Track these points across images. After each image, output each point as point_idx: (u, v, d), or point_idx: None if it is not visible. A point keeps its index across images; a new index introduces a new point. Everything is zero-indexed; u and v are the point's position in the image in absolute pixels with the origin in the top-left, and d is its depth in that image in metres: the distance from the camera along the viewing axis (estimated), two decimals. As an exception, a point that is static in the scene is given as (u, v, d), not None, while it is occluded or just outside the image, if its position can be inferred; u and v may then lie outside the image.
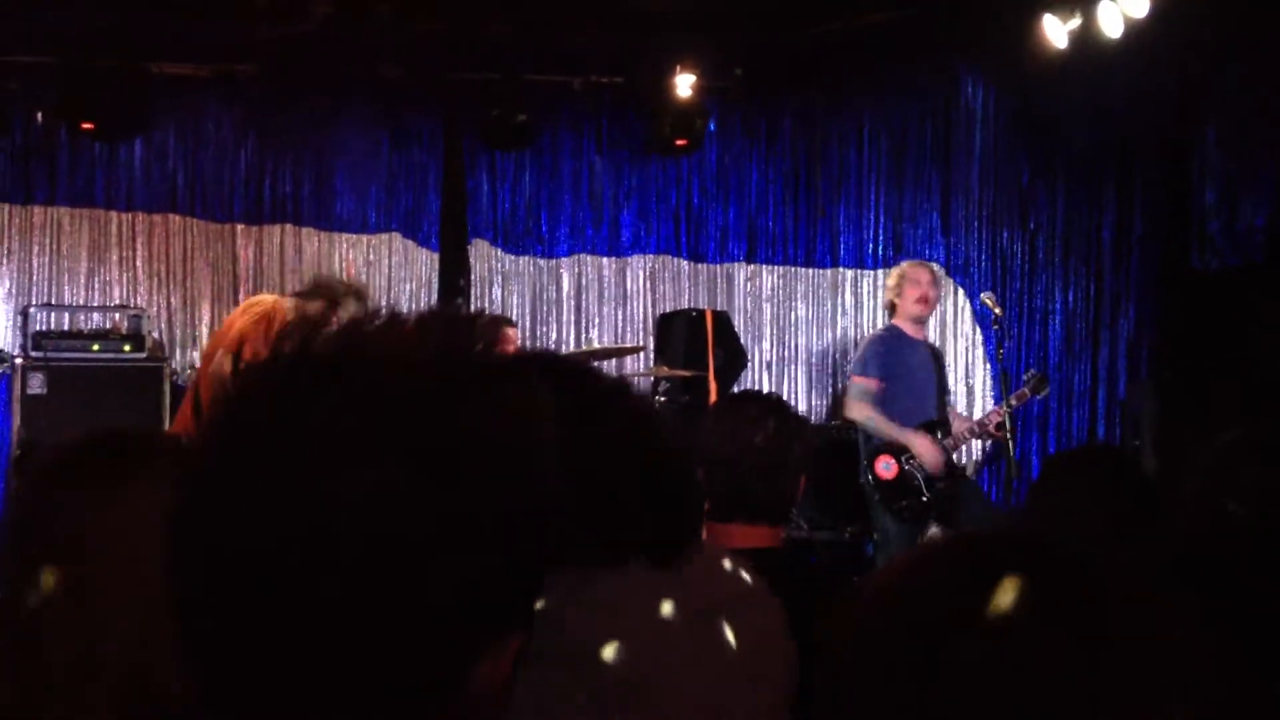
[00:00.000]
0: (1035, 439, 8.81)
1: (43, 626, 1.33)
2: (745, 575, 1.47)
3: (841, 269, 9.15)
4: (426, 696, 0.84)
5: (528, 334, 8.65)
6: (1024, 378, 6.64)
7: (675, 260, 9.03)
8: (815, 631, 1.15)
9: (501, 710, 0.89)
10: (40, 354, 7.24)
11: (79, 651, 1.31)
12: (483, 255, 8.78)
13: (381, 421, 0.82)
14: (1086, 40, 6.91)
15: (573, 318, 8.90)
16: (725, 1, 7.57)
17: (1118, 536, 2.53)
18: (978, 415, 7.67)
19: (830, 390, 9.14)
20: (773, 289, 9.14)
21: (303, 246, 8.47)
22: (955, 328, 9.02)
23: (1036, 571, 0.92)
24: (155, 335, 7.88)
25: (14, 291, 8.07)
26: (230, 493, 0.84)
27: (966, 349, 9.03)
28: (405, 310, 0.90)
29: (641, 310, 8.98)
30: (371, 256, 8.61)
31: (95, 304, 8.10)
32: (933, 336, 7.65)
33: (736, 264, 9.10)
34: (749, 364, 8.81)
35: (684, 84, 8.17)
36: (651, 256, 9.01)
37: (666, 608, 1.31)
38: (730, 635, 1.36)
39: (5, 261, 8.09)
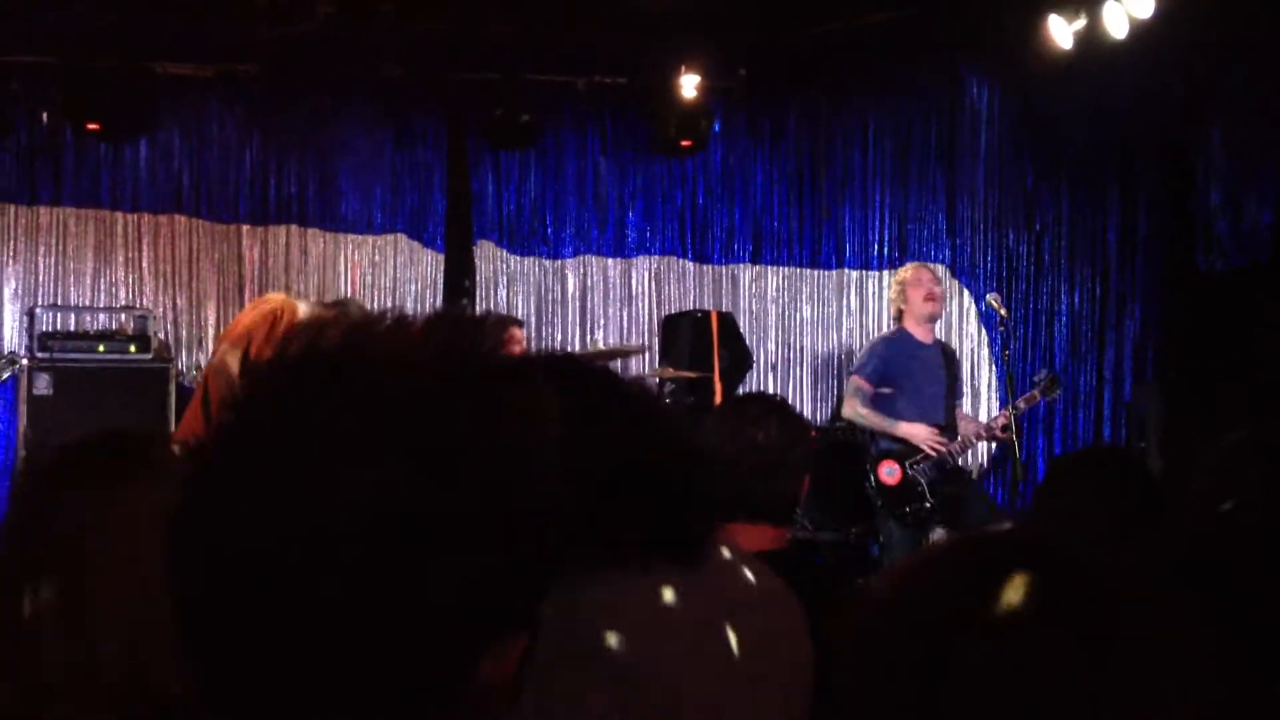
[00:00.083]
0: (1041, 441, 8.80)
1: (43, 627, 1.33)
2: (766, 576, 1.47)
3: (847, 270, 9.15)
4: (427, 696, 0.84)
5: (533, 335, 8.65)
6: (1035, 379, 6.62)
7: (680, 261, 9.03)
8: (821, 632, 1.15)
9: (507, 709, 0.89)
10: (46, 355, 7.25)
11: (79, 651, 1.31)
12: (488, 256, 8.78)
13: (382, 422, 0.83)
14: (1092, 41, 6.90)
15: (578, 319, 8.90)
16: (728, 1, 7.56)
17: (1122, 538, 2.52)
18: (983, 418, 7.66)
19: (835, 392, 9.13)
20: (778, 290, 9.14)
21: (308, 247, 8.48)
22: (960, 329, 9.01)
23: (1040, 573, 0.92)
24: (161, 336, 7.89)
25: (20, 292, 8.08)
26: (231, 492, 0.84)
27: (972, 350, 9.02)
28: (412, 311, 0.90)
29: (646, 311, 8.98)
30: (377, 257, 8.61)
31: (101, 305, 8.11)
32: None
33: (741, 265, 9.10)
34: (754, 365, 8.80)
35: (688, 84, 8.17)
36: (656, 257, 9.01)
37: (682, 607, 1.31)
38: (748, 636, 1.35)
39: (11, 262, 8.10)
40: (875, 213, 9.12)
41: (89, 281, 8.19)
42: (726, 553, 1.44)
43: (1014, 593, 0.90)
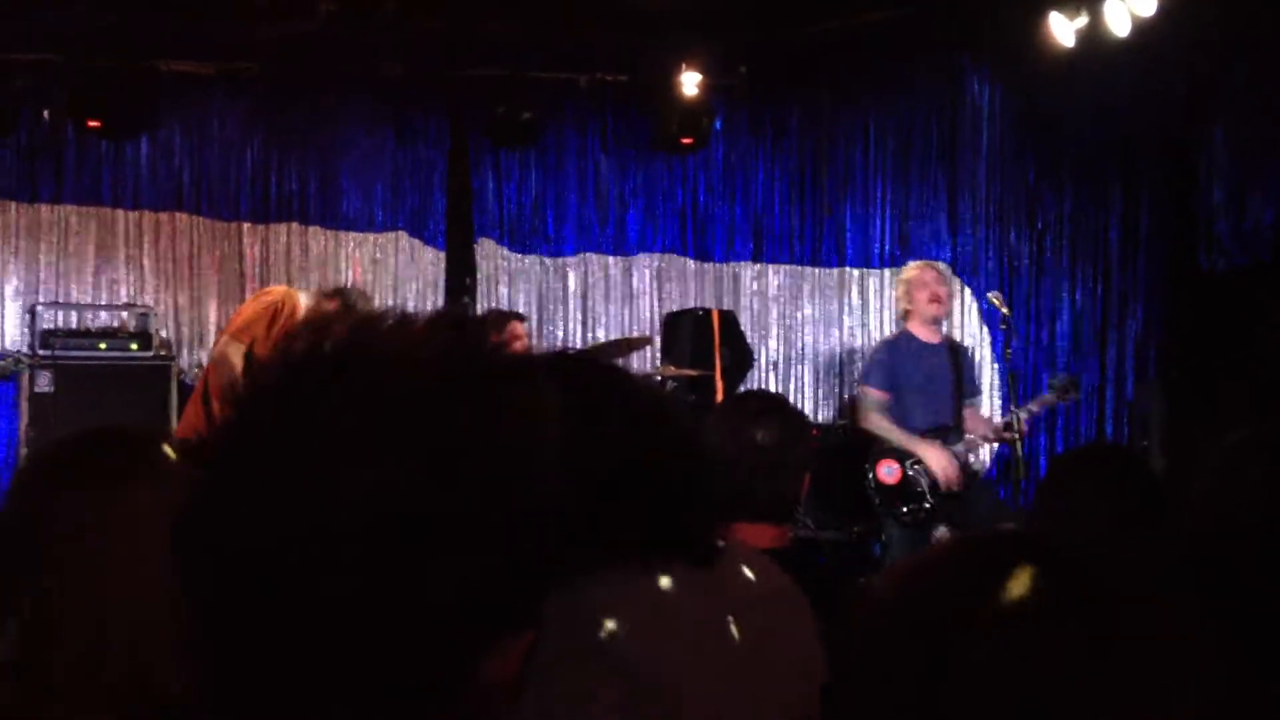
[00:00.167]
0: (1043, 439, 8.80)
1: (43, 627, 1.33)
2: (773, 573, 1.47)
3: (848, 268, 9.15)
4: (429, 695, 0.84)
5: (534, 333, 8.64)
6: (1051, 382, 6.54)
7: (681, 259, 9.03)
8: (823, 630, 1.14)
9: (510, 707, 0.89)
10: (48, 352, 7.25)
11: (80, 651, 1.31)
12: (489, 254, 8.78)
13: (382, 421, 0.83)
14: (1094, 38, 6.89)
15: (579, 317, 8.90)
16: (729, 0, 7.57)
17: (1123, 536, 2.52)
18: (987, 416, 7.63)
19: (837, 389, 9.13)
20: (779, 288, 9.14)
21: (309, 245, 8.48)
22: (962, 327, 9.01)
23: (1041, 573, 0.91)
24: (162, 334, 7.90)
25: (22, 290, 8.09)
26: (232, 492, 0.84)
27: (973, 349, 9.01)
28: (413, 310, 0.90)
29: (648, 309, 8.98)
30: (378, 255, 8.61)
31: (102, 302, 8.12)
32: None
33: (743, 263, 9.10)
34: (755, 363, 8.81)
35: (690, 82, 8.18)
36: (658, 255, 9.01)
37: (686, 604, 1.31)
38: (753, 633, 1.35)
39: (13, 260, 8.11)
40: (877, 211, 9.12)
41: (90, 279, 8.19)
42: (733, 551, 1.44)
43: (1014, 593, 0.90)
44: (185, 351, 8.17)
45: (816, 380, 9.15)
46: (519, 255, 8.82)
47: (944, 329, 6.58)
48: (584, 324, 8.90)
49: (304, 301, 5.84)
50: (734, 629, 1.34)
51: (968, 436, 6.26)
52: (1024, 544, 0.96)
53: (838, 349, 9.14)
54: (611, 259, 8.94)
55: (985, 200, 9.02)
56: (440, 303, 8.51)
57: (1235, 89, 7.61)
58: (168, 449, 1.42)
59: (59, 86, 7.72)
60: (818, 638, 1.46)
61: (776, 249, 9.10)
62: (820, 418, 8.90)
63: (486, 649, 0.86)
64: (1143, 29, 6.68)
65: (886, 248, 9.12)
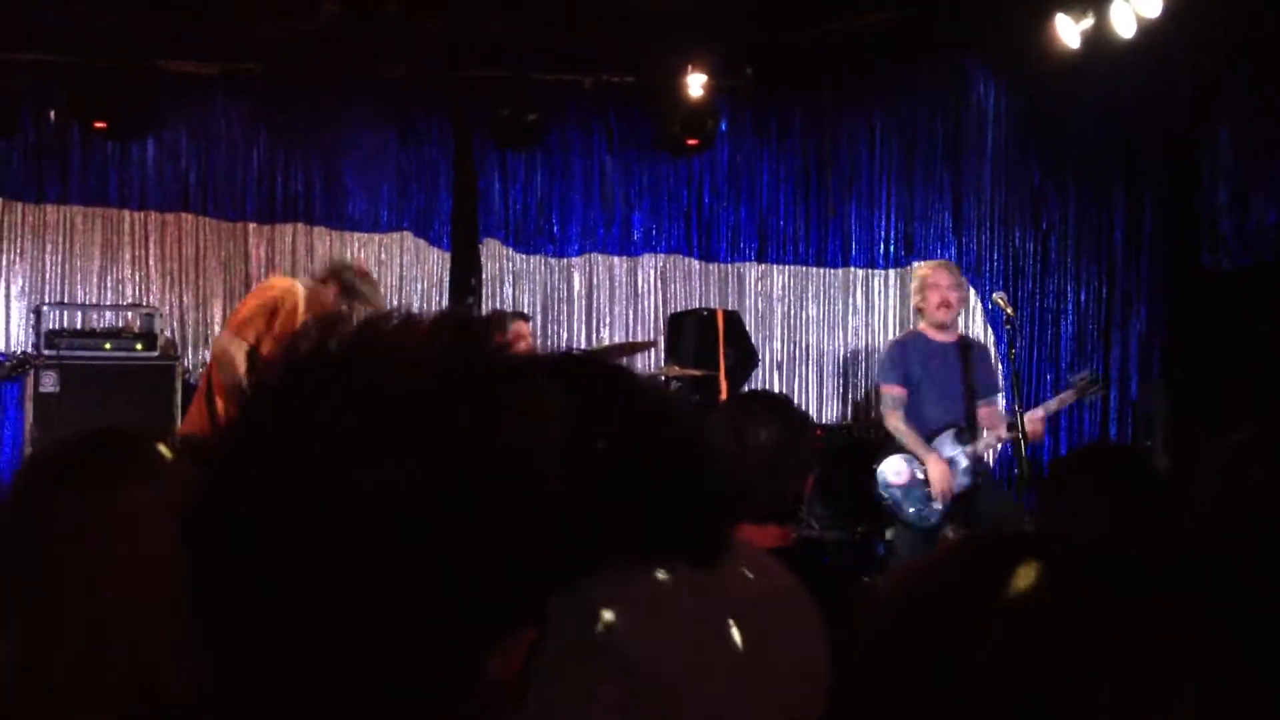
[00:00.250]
0: (1047, 438, 8.77)
1: (43, 627, 1.33)
2: (779, 573, 1.47)
3: (853, 269, 9.14)
4: (429, 695, 0.85)
5: (539, 333, 8.65)
6: (1072, 379, 6.49)
7: (686, 260, 9.03)
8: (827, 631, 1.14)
9: (515, 705, 0.89)
10: (53, 352, 7.26)
11: (79, 651, 1.31)
12: (494, 254, 8.79)
13: (382, 422, 0.83)
14: (1099, 40, 6.89)
15: (584, 317, 8.90)
16: (734, 1, 7.56)
17: (1125, 536, 2.52)
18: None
19: (841, 390, 9.13)
20: (784, 288, 9.14)
21: (314, 245, 8.49)
22: (967, 328, 9.00)
23: (1043, 573, 0.92)
24: (167, 334, 7.91)
25: (27, 290, 8.10)
26: (234, 492, 0.84)
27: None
28: (419, 310, 0.90)
29: (652, 309, 8.98)
30: (383, 256, 8.62)
31: (108, 303, 8.13)
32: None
33: (748, 263, 9.10)
34: (760, 363, 8.80)
35: (695, 83, 8.18)
36: (662, 256, 9.01)
37: (689, 604, 1.31)
38: (756, 633, 1.35)
39: (18, 260, 8.12)
40: (881, 211, 9.12)
41: (96, 279, 8.21)
42: (736, 551, 1.44)
43: (1017, 593, 0.90)
44: (190, 352, 8.18)
45: (821, 380, 9.14)
46: (524, 255, 8.82)
47: (958, 327, 6.56)
48: (589, 324, 8.90)
49: (302, 290, 5.80)
50: (736, 629, 1.34)
51: (984, 434, 6.21)
52: (1027, 543, 0.96)
53: (842, 349, 9.14)
54: (616, 259, 8.94)
55: (990, 201, 9.01)
56: (445, 303, 8.52)
57: (1240, 89, 7.60)
58: (166, 449, 1.43)
59: (64, 87, 7.73)
60: (823, 638, 1.46)
61: (781, 249, 9.10)
62: (824, 418, 8.90)
63: (488, 648, 0.86)
64: (1147, 30, 6.68)
65: (891, 248, 9.12)
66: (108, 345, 7.42)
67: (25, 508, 1.41)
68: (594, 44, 8.08)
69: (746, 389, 8.14)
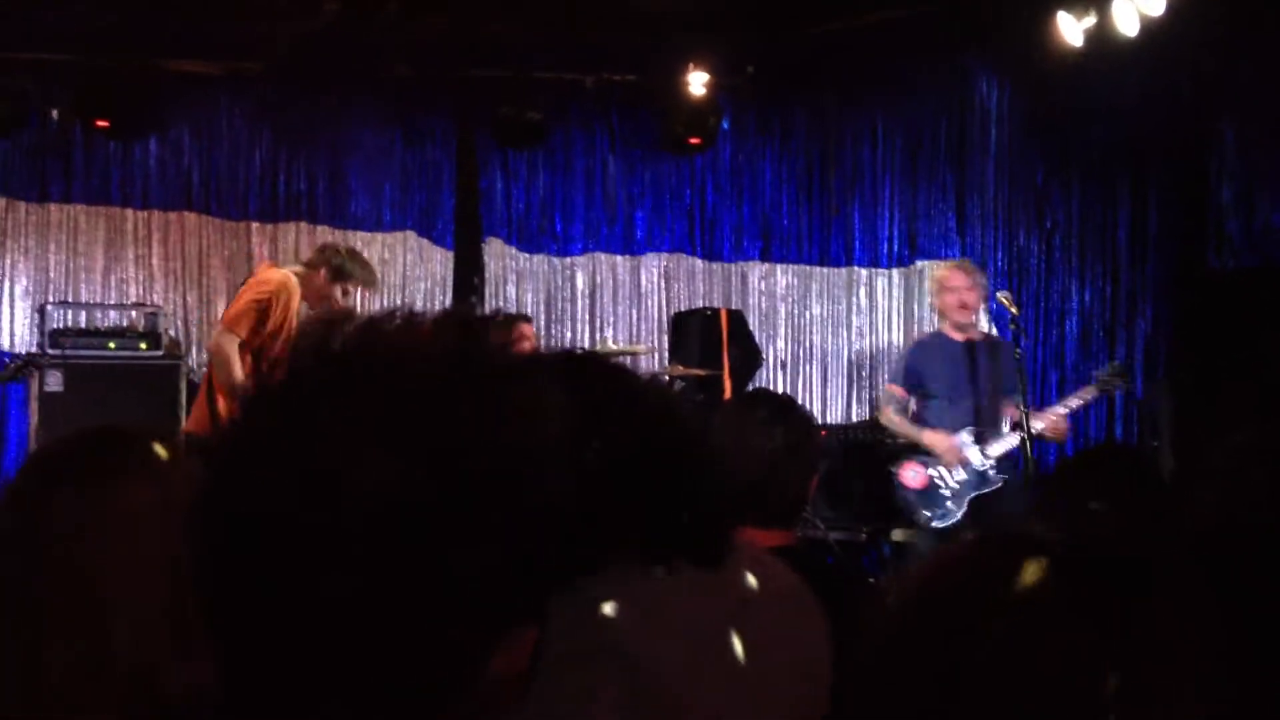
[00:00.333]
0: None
1: (44, 627, 1.33)
2: (783, 573, 1.47)
3: (856, 268, 9.15)
4: (431, 694, 0.85)
5: (542, 332, 8.66)
6: (1095, 374, 6.43)
7: (689, 259, 9.04)
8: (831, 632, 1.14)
9: (518, 702, 0.89)
10: (57, 351, 7.26)
11: (79, 651, 1.31)
12: (497, 254, 8.79)
13: (383, 421, 0.83)
14: (1102, 38, 6.88)
15: (587, 316, 8.90)
16: (735, 0, 7.56)
17: (1130, 536, 2.51)
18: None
19: (845, 389, 9.13)
20: (787, 288, 9.14)
21: (317, 244, 8.48)
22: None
23: (1047, 572, 0.91)
24: (171, 333, 7.91)
25: (31, 289, 8.11)
26: (235, 491, 0.84)
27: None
28: (421, 309, 0.91)
29: (656, 309, 8.98)
30: (386, 255, 8.62)
31: (112, 302, 8.14)
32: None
33: (751, 263, 9.10)
34: (763, 363, 8.80)
35: (697, 82, 8.18)
36: (665, 255, 9.02)
37: (690, 603, 1.31)
38: (758, 633, 1.35)
39: (22, 259, 8.13)
40: (885, 210, 9.12)
41: (99, 278, 8.22)
42: (739, 551, 1.44)
43: (1019, 593, 0.90)
44: (194, 350, 8.18)
45: (824, 380, 9.15)
46: (527, 255, 8.83)
47: (981, 326, 6.53)
48: (592, 323, 8.90)
49: (295, 280, 5.78)
50: (737, 630, 1.34)
51: (1007, 434, 6.15)
52: (1030, 543, 0.96)
53: (846, 348, 9.14)
54: (619, 258, 8.95)
55: (994, 200, 9.01)
56: (448, 302, 8.53)
57: (1245, 88, 7.60)
58: (164, 448, 1.43)
59: (67, 86, 7.75)
60: (827, 639, 1.46)
61: (784, 249, 9.10)
62: (828, 418, 8.89)
63: (489, 647, 0.86)
64: (1151, 28, 6.67)
65: (894, 248, 9.12)
66: (112, 344, 7.43)
67: (25, 507, 1.41)
68: (596, 43, 8.08)
69: (751, 389, 8.14)
